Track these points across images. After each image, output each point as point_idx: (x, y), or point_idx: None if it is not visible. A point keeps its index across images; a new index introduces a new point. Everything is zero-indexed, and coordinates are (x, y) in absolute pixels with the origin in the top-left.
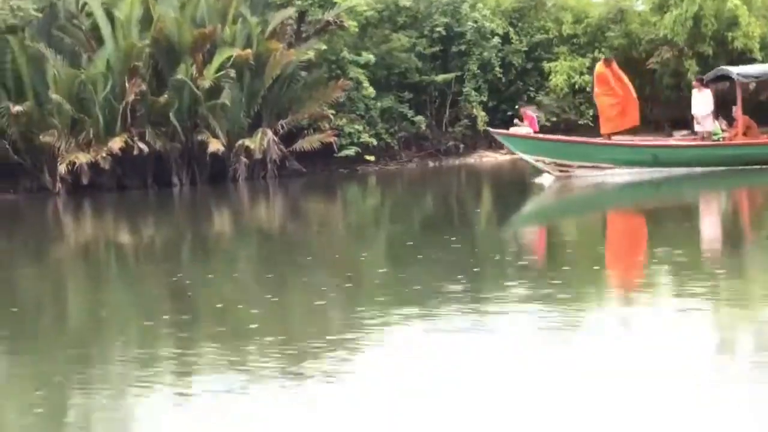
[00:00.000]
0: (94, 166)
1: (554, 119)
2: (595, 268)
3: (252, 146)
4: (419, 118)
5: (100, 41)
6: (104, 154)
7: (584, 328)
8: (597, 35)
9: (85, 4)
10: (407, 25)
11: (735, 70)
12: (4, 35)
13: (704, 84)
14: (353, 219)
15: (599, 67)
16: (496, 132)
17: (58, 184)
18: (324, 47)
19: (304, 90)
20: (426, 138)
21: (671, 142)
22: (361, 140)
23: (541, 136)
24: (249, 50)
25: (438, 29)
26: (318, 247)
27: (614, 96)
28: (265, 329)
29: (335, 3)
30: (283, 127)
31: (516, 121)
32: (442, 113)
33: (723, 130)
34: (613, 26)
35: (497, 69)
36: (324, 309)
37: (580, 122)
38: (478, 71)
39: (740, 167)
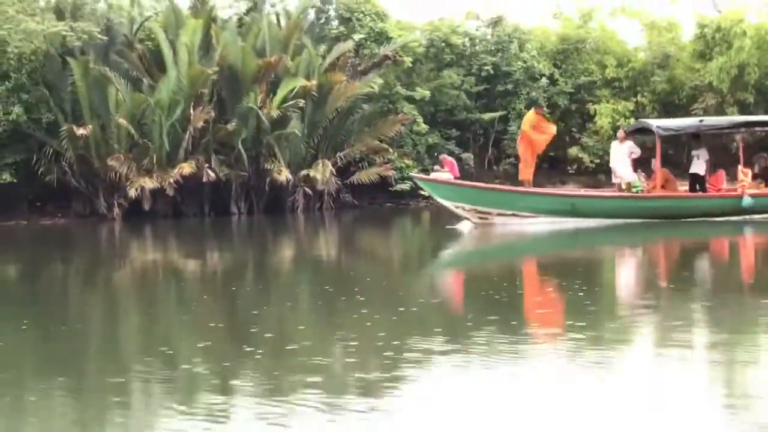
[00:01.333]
0: (154, 192)
1: (597, 161)
2: (496, 317)
3: (317, 177)
4: (467, 155)
5: (159, 66)
6: (171, 180)
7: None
8: (639, 79)
9: (138, 29)
10: (453, 62)
11: (655, 123)
12: (64, 57)
13: (626, 135)
14: (412, 252)
15: (529, 113)
16: (418, 177)
17: (116, 209)
18: (380, 81)
19: (361, 123)
20: (471, 175)
21: (590, 192)
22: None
23: (461, 182)
24: (313, 81)
25: (486, 68)
26: (379, 280)
27: (530, 144)
28: (318, 361)
29: (390, 38)
30: (341, 159)
31: (436, 167)
32: (485, 151)
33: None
34: (657, 71)
35: (545, 109)
36: (378, 341)
37: None
38: (525, 110)
39: (658, 220)
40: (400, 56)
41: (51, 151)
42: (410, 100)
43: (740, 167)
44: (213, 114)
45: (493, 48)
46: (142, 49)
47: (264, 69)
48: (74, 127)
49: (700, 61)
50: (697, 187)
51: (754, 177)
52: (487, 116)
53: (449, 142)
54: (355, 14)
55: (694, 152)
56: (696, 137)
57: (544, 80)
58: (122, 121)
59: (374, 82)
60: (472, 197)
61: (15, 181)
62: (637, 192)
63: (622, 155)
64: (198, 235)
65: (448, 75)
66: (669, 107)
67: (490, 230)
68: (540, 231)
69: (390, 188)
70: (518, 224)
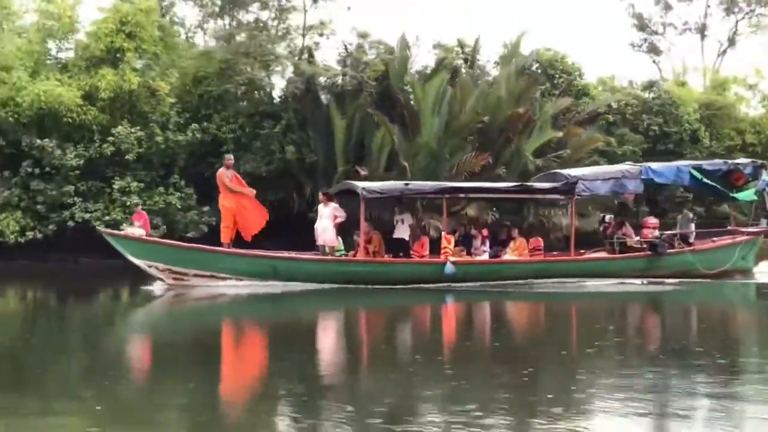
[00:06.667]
0: None
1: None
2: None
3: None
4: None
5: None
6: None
7: None
8: None
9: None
10: (620, 122)
11: (360, 185)
12: (341, 100)
13: (330, 198)
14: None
15: (221, 169)
16: (106, 232)
17: None
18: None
19: None
20: None
21: (292, 255)
22: None
23: (154, 239)
24: (559, 133)
25: (654, 128)
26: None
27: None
28: None
29: (587, 94)
30: None
31: (133, 220)
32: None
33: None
34: None
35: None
36: None
37: None
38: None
39: (362, 285)
40: (607, 112)
41: (309, 191)
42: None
43: (443, 233)
44: (490, 160)
45: (657, 109)
46: (404, 97)
47: (515, 119)
48: (358, 168)
49: None
50: (401, 253)
51: (456, 244)
52: None
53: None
54: (556, 72)
55: (397, 217)
56: (400, 202)
57: (706, 141)
58: (405, 164)
59: (599, 136)
60: (167, 256)
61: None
62: (339, 256)
63: (326, 217)
64: None
65: (623, 132)
66: None
67: (185, 292)
68: (238, 294)
69: None
70: (217, 286)
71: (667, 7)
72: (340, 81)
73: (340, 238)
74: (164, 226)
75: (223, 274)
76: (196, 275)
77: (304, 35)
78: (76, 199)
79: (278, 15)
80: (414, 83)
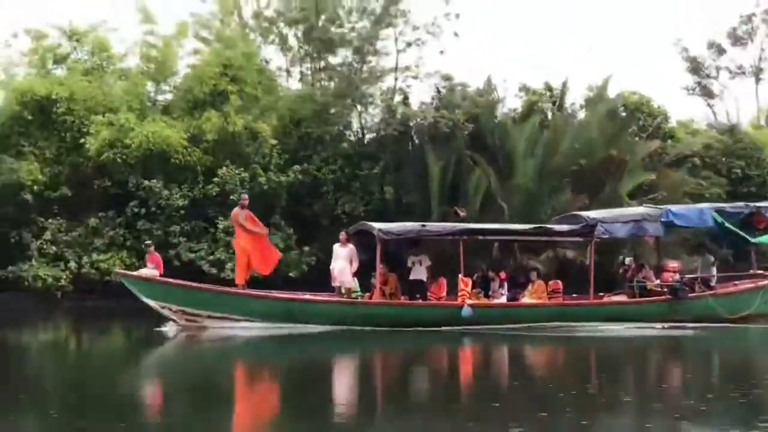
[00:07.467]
0: None
1: None
2: None
3: None
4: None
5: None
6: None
7: None
8: None
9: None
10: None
11: (377, 226)
12: (436, 142)
13: (348, 239)
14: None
15: (236, 209)
16: (121, 273)
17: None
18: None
19: None
20: None
21: (307, 296)
22: None
23: (168, 280)
24: (653, 175)
25: (736, 171)
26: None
27: (245, 242)
28: None
29: (679, 139)
30: None
31: (147, 261)
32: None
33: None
34: None
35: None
36: None
37: None
38: None
39: (378, 328)
40: (693, 155)
41: None
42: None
43: (460, 276)
44: (586, 201)
45: (741, 152)
46: (497, 140)
47: (613, 162)
48: (457, 209)
49: None
50: (418, 295)
51: (473, 286)
52: None
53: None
54: (642, 115)
55: (414, 258)
56: (417, 243)
57: None
58: (503, 205)
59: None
60: (180, 297)
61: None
62: (356, 297)
63: (342, 258)
64: None
65: (707, 174)
66: None
67: (198, 334)
68: (252, 336)
69: None
70: (230, 328)
71: (721, 51)
72: (433, 122)
73: (356, 279)
74: None
75: (237, 315)
76: (209, 317)
77: (396, 78)
78: (181, 238)
79: (362, 59)
80: (507, 125)
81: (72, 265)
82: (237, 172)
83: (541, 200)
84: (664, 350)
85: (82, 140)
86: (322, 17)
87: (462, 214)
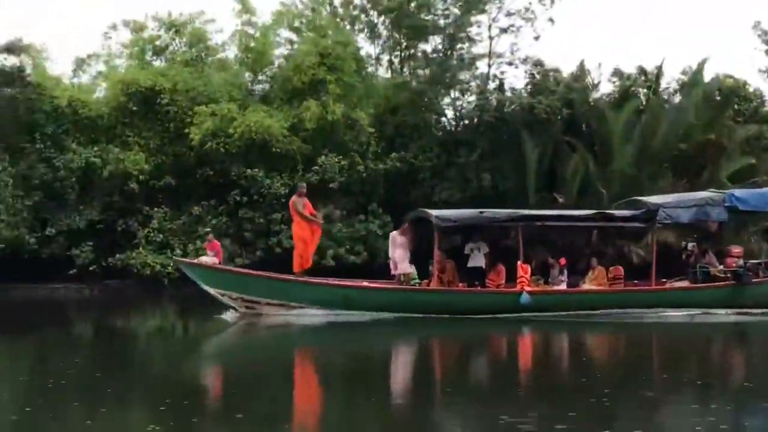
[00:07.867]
0: None
1: None
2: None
3: None
4: None
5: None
6: None
7: None
8: None
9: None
10: None
11: (434, 213)
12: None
13: (407, 227)
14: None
15: (294, 197)
16: (181, 261)
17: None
18: None
19: None
20: None
21: (364, 283)
22: None
23: (226, 268)
24: (753, 159)
25: None
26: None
27: (303, 230)
28: None
29: None
30: None
31: (206, 249)
32: None
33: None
34: None
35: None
36: None
37: None
38: None
39: (435, 315)
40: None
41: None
42: None
43: (519, 263)
44: (687, 186)
45: None
46: (595, 125)
47: (709, 146)
48: (556, 195)
49: None
50: (477, 282)
51: (533, 273)
52: None
53: None
54: (739, 98)
55: (472, 245)
56: (476, 230)
57: None
58: (603, 191)
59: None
60: (239, 285)
61: None
62: (414, 284)
63: (400, 247)
64: None
65: None
66: None
67: (257, 321)
68: (310, 323)
69: None
70: (288, 315)
71: None
72: (529, 108)
73: (414, 266)
74: (365, 253)
75: (295, 303)
76: (267, 304)
77: (490, 65)
78: (282, 226)
79: (452, 46)
80: (603, 110)
81: (177, 252)
82: (336, 160)
83: (640, 185)
84: (730, 337)
85: (185, 130)
86: (413, 4)
87: (560, 200)
